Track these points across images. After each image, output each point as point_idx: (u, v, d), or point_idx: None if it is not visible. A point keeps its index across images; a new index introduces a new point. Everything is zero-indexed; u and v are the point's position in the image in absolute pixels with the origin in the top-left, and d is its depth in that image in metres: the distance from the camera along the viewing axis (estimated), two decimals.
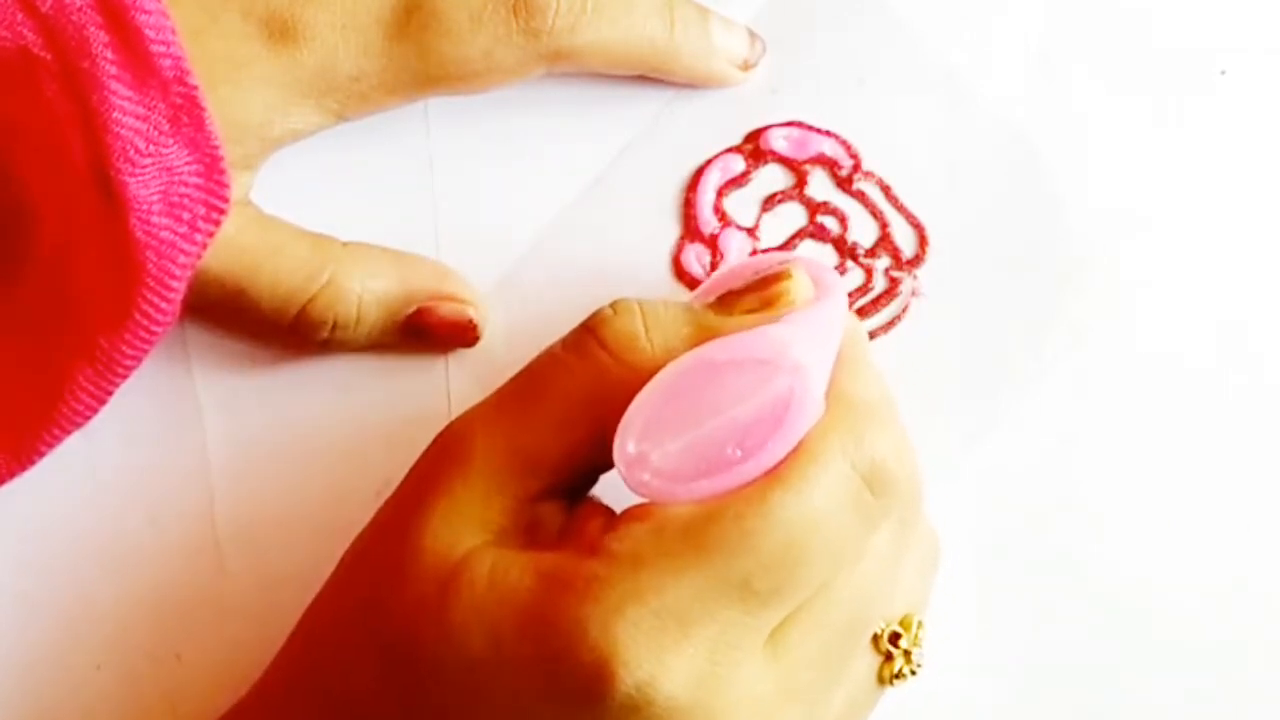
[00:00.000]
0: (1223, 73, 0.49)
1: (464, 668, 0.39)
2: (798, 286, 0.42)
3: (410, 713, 0.40)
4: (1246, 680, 0.48)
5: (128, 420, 0.46)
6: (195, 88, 0.40)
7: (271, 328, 0.45)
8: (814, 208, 0.48)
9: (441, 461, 0.41)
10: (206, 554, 0.47)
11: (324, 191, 0.47)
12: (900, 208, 0.48)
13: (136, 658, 0.47)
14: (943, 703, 0.48)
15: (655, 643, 0.38)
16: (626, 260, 0.48)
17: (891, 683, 0.42)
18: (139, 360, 0.41)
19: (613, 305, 0.42)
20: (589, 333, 0.41)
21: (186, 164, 0.40)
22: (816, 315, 0.42)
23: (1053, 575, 0.48)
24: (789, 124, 0.48)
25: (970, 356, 0.48)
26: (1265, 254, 0.49)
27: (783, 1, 0.48)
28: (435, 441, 0.42)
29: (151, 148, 0.40)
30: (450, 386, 0.47)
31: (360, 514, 0.46)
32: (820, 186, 0.48)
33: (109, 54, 0.39)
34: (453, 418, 0.46)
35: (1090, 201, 0.48)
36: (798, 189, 0.48)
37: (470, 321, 0.47)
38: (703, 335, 0.41)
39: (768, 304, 0.42)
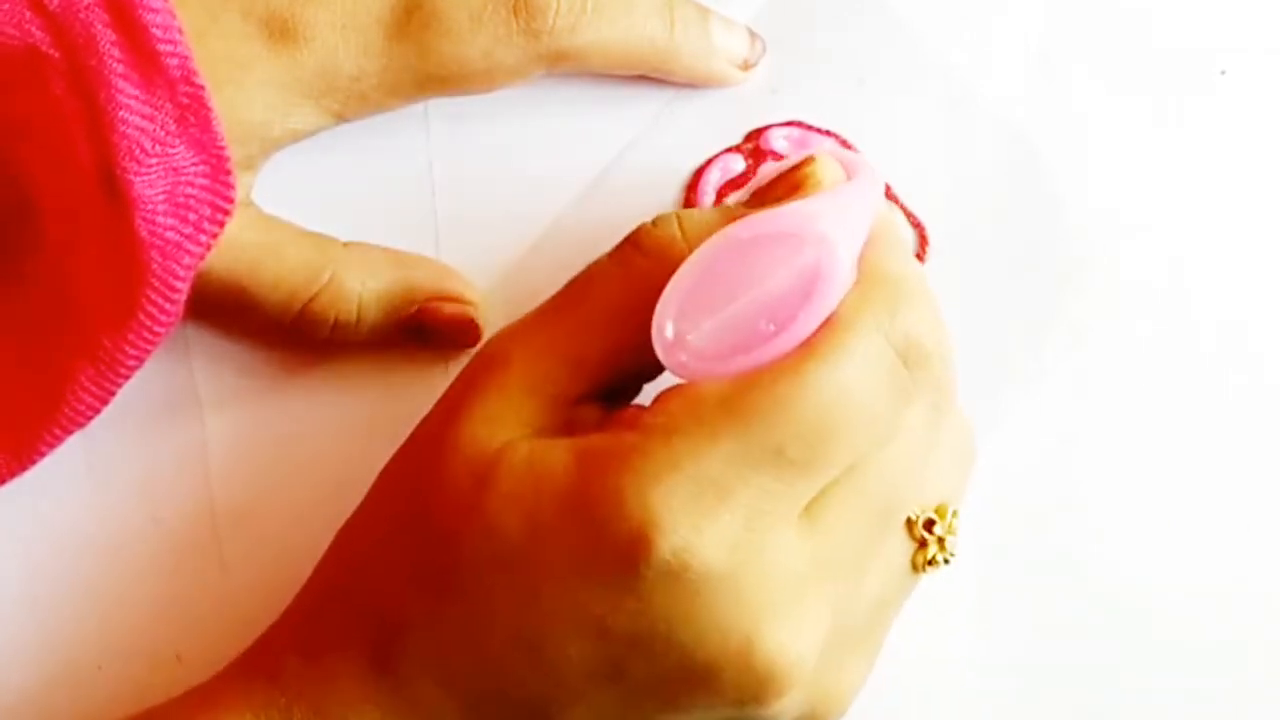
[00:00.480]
0: (1223, 73, 0.49)
1: (501, 554, 0.39)
2: (823, 169, 0.43)
3: (445, 604, 0.40)
4: (1247, 680, 0.48)
5: (128, 420, 0.46)
6: (201, 87, 0.40)
7: (273, 327, 0.45)
8: None
9: (478, 369, 0.42)
10: (206, 554, 0.47)
11: (324, 191, 0.47)
12: (900, 208, 0.48)
13: (136, 658, 0.47)
14: (943, 703, 0.48)
15: (692, 509, 0.38)
16: None
17: (925, 569, 0.42)
18: (141, 361, 0.41)
19: (653, 219, 0.42)
20: (629, 243, 0.42)
21: (192, 165, 0.40)
22: (844, 191, 0.42)
23: (1053, 575, 0.48)
24: (789, 124, 0.48)
25: (970, 356, 0.47)
26: (1265, 254, 0.49)
27: (783, 1, 0.48)
28: (476, 354, 0.43)
29: (158, 147, 0.40)
30: None
31: None
32: None
33: (116, 52, 0.39)
34: None
35: (1090, 201, 0.48)
36: None
37: (471, 321, 0.47)
38: None
39: (795, 189, 0.43)
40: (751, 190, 0.44)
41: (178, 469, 0.47)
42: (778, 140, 0.48)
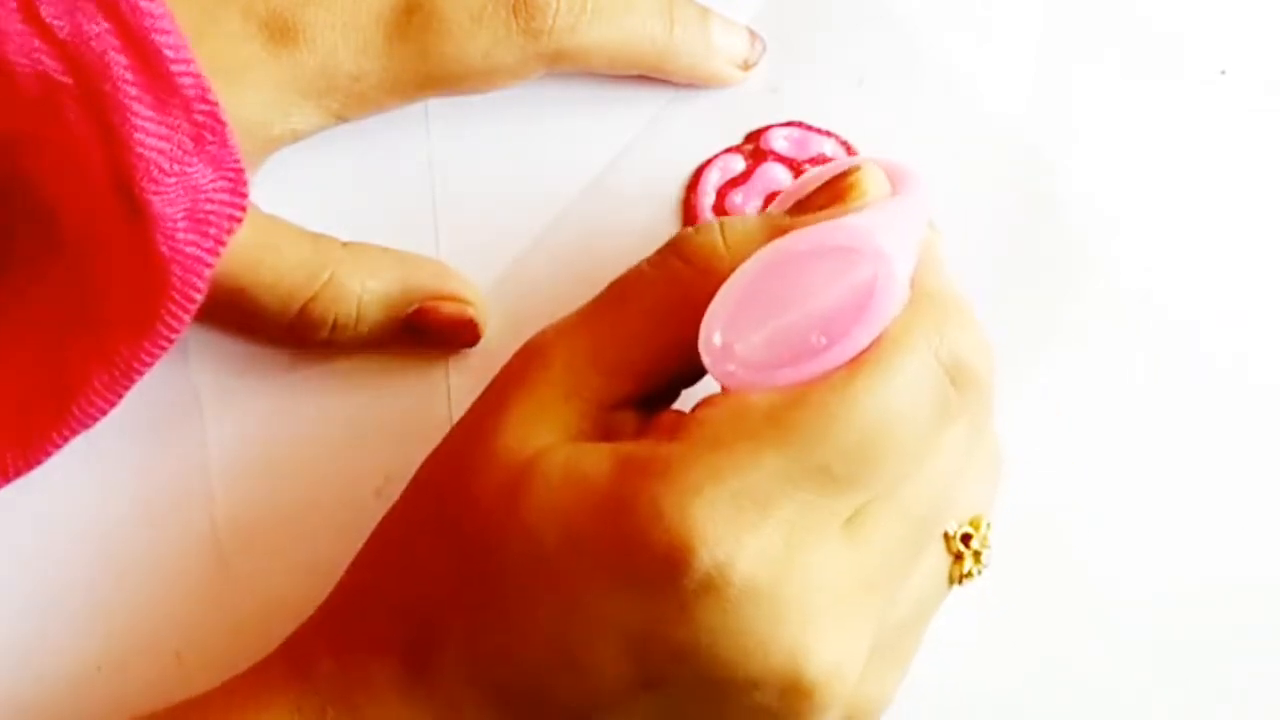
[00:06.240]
0: (1223, 73, 0.49)
1: (538, 561, 0.39)
2: (869, 179, 0.43)
3: (483, 611, 0.40)
4: (1247, 680, 0.49)
5: (128, 420, 0.46)
6: (216, 104, 0.40)
7: (272, 328, 0.46)
8: None
9: (522, 367, 0.42)
10: (206, 553, 0.48)
11: (324, 191, 0.48)
12: None
13: (136, 657, 0.48)
14: (943, 702, 0.48)
15: (733, 522, 0.38)
16: (626, 260, 0.47)
17: (960, 582, 0.43)
18: (152, 365, 0.42)
19: (694, 227, 0.43)
20: (671, 249, 0.43)
21: (211, 182, 0.41)
22: (898, 205, 0.42)
23: (1053, 575, 0.49)
24: (789, 124, 0.49)
25: None
26: (1265, 254, 0.49)
27: (783, 1, 0.49)
28: (517, 353, 0.43)
29: (175, 167, 0.40)
30: (450, 386, 0.48)
31: (360, 513, 0.46)
32: None
33: (129, 75, 0.39)
34: (453, 418, 0.46)
35: (1091, 202, 0.49)
36: None
37: (470, 321, 0.47)
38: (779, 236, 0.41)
39: (839, 198, 0.42)
40: (789, 197, 0.44)
41: (178, 469, 0.48)
42: (778, 140, 0.49)
